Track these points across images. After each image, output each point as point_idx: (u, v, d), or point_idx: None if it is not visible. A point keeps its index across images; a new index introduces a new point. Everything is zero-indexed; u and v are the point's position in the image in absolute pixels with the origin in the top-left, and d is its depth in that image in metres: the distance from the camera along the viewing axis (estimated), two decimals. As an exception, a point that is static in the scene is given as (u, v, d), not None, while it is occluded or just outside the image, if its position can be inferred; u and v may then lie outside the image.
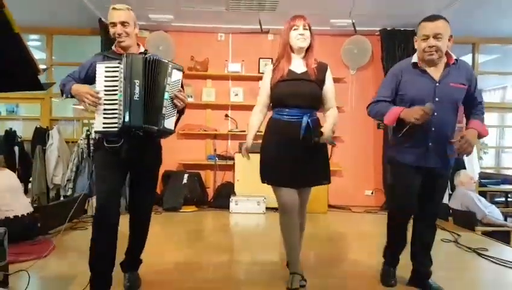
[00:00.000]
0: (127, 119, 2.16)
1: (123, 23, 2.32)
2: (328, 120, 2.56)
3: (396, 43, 5.63)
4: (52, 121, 5.95)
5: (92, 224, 2.31)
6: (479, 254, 3.42)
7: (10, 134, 5.45)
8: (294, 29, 2.49)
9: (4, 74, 1.09)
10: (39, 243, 3.37)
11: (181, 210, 5.19)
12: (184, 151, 5.76)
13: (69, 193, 5.31)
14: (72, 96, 2.28)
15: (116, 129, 2.20)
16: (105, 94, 2.20)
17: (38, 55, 6.14)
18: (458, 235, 4.02)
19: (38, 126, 5.55)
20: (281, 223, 2.55)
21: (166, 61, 2.31)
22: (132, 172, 2.41)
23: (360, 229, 4.67)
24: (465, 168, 5.34)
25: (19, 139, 5.50)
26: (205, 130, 5.76)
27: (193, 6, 4.89)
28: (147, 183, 2.48)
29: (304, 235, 2.77)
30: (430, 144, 2.38)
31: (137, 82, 2.18)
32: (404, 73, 2.44)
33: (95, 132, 2.29)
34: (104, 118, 2.20)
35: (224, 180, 5.74)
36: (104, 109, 2.20)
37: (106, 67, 2.21)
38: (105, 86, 2.21)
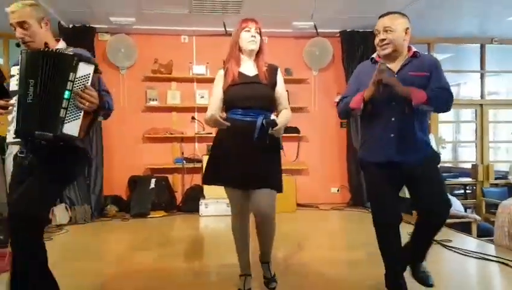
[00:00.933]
0: (18, 126, 1.89)
1: (21, 25, 2.01)
2: (280, 117, 2.49)
3: (355, 44, 5.81)
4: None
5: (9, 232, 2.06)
6: (444, 246, 3.55)
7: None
8: (246, 30, 2.43)
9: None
10: (1, 256, 3.23)
11: (149, 216, 5.12)
12: (150, 156, 5.69)
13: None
14: None
15: (18, 139, 1.95)
16: (15, 99, 1.92)
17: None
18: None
19: (-6, 134, 5.30)
20: (231, 224, 2.53)
21: (70, 53, 1.95)
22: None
23: (328, 226, 4.79)
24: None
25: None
26: (171, 133, 5.70)
27: (154, 9, 4.84)
28: (31, 184, 2.00)
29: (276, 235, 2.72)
30: (391, 135, 2.29)
31: (31, 81, 1.88)
32: (364, 71, 2.44)
33: (6, 143, 2.04)
34: (14, 126, 1.93)
35: (192, 183, 5.71)
36: (13, 117, 1.92)
37: (14, 67, 1.96)
38: (12, 90, 1.95)
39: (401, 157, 2.28)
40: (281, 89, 2.52)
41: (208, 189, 5.27)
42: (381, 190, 2.38)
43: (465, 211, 6.13)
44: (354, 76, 2.56)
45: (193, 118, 5.82)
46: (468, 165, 6.65)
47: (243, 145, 2.34)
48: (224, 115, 2.47)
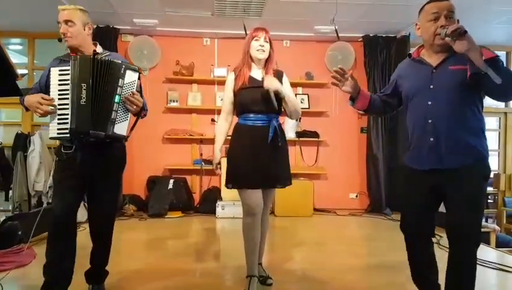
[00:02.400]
0: (73, 125, 2.10)
1: (67, 22, 2.22)
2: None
3: (378, 49, 5.75)
4: (34, 127, 5.85)
5: (47, 239, 2.22)
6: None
7: (-10, 140, 5.33)
8: (256, 39, 2.55)
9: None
10: (21, 252, 3.30)
11: (166, 216, 5.16)
12: (169, 156, 5.74)
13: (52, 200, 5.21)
14: (28, 109, 2.20)
15: (68, 135, 2.15)
16: (59, 98, 2.13)
17: (20, 59, 6.05)
18: (440, 236, 4.09)
19: (19, 132, 5.44)
20: (244, 225, 2.55)
21: (119, 62, 2.22)
22: (89, 181, 2.30)
23: (345, 232, 4.72)
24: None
25: (-1, 145, 5.39)
26: (191, 135, 5.74)
27: (178, 11, 4.89)
28: (105, 192, 2.37)
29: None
30: (431, 139, 1.98)
31: (84, 85, 2.11)
32: (401, 69, 2.24)
33: (50, 137, 2.20)
34: (58, 123, 2.14)
35: (210, 185, 5.73)
36: (58, 114, 2.14)
37: (60, 70, 2.15)
38: (59, 90, 2.14)
39: (442, 164, 1.97)
40: (286, 87, 2.61)
41: (224, 191, 5.28)
42: (410, 199, 2.12)
43: (486, 220, 5.99)
44: (393, 74, 2.34)
45: (213, 120, 5.84)
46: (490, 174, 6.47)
47: (258, 148, 2.49)
48: (220, 171, 2.70)
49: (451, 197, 1.94)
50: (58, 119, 2.14)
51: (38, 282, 2.26)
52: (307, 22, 5.22)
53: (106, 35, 5.39)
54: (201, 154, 5.74)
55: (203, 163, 5.62)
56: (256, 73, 2.60)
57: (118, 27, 5.45)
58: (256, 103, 2.50)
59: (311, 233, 4.57)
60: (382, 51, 5.76)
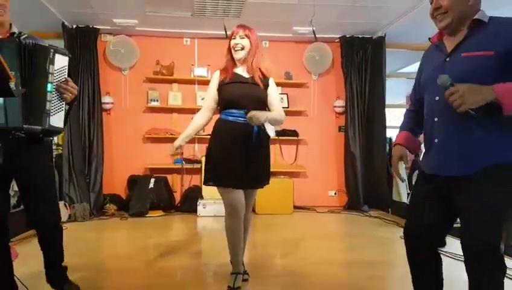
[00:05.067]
0: (2, 120, 1.83)
1: None
2: (271, 112, 2.57)
3: (355, 50, 5.89)
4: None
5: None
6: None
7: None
8: (233, 38, 2.55)
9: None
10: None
11: (147, 215, 5.18)
12: (150, 156, 5.76)
13: None
14: None
15: None
16: None
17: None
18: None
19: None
20: (227, 225, 2.57)
21: (46, 45, 1.97)
22: (18, 182, 2.09)
23: (325, 228, 4.85)
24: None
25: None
26: (172, 134, 5.76)
27: (158, 12, 4.92)
28: (40, 193, 2.09)
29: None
30: (436, 140, 1.71)
31: (12, 73, 1.76)
32: (422, 59, 1.93)
33: None
34: None
35: (191, 184, 5.77)
36: None
37: None
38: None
39: (446, 171, 1.67)
40: (273, 90, 2.61)
41: (206, 190, 5.32)
42: (418, 193, 1.88)
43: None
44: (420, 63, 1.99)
45: (193, 119, 5.87)
46: None
47: (239, 146, 2.45)
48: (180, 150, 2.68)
49: (460, 211, 1.63)
50: None
51: (20, 280, 2.28)
52: (285, 23, 5.33)
53: (86, 35, 5.36)
54: (181, 154, 5.77)
55: (183, 162, 5.66)
56: (241, 70, 2.59)
57: (98, 27, 5.43)
58: (239, 97, 2.48)
59: (291, 230, 4.68)
60: (358, 52, 5.90)
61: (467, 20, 1.67)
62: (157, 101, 5.73)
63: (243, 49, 2.53)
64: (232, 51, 2.56)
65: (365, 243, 3.93)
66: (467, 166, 1.60)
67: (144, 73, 5.74)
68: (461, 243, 1.59)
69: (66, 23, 5.17)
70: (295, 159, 5.98)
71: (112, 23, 5.27)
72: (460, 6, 1.66)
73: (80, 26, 5.35)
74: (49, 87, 1.93)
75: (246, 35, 2.53)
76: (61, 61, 1.99)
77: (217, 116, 2.67)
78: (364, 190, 5.88)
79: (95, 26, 5.41)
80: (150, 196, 5.34)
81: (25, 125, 1.89)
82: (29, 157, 2.02)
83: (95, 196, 5.32)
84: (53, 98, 1.95)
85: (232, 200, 2.51)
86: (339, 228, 5.09)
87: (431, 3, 1.74)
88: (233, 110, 2.50)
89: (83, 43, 5.35)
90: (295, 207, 5.61)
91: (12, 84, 1.54)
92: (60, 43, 5.31)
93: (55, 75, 1.95)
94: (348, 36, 5.88)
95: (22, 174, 2.05)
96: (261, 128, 2.48)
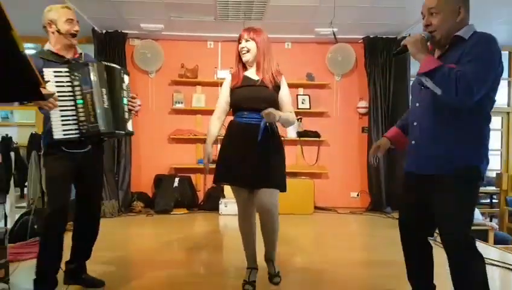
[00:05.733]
0: (103, 127, 2.27)
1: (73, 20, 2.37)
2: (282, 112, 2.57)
3: (378, 50, 5.86)
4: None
5: (41, 231, 2.46)
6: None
7: (6, 140, 5.59)
8: (240, 42, 2.60)
9: (11, 87, 1.26)
10: (36, 244, 3.52)
11: (172, 212, 5.36)
12: (175, 156, 5.94)
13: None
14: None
15: (77, 136, 2.24)
16: (60, 100, 2.17)
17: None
18: (437, 233, 4.20)
19: (34, 132, 5.70)
20: (239, 225, 2.70)
21: (118, 67, 2.48)
22: (81, 177, 2.44)
23: (345, 229, 4.86)
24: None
25: (14, 145, 5.64)
26: (195, 135, 5.93)
27: (182, 16, 5.09)
28: (96, 188, 2.61)
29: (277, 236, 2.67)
30: (412, 142, 1.97)
31: (104, 90, 2.30)
32: None
33: (55, 138, 2.22)
34: (63, 124, 2.20)
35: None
36: (62, 116, 2.20)
37: (54, 72, 2.20)
38: (58, 92, 2.17)
39: (418, 169, 1.94)
40: (285, 92, 2.63)
41: (227, 189, 5.45)
42: (403, 198, 2.14)
43: (491, 220, 6.06)
44: None
45: (217, 120, 6.00)
46: (493, 174, 6.54)
47: (248, 146, 2.50)
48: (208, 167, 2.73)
49: (432, 207, 1.87)
50: (62, 120, 2.20)
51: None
52: (307, 25, 5.37)
53: (114, 40, 5.61)
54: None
55: (207, 162, 5.79)
56: (251, 72, 2.64)
57: (126, 31, 5.66)
58: (249, 100, 2.53)
59: (311, 229, 4.72)
60: (382, 52, 5.87)
61: (452, 35, 1.85)
62: (181, 103, 5.91)
63: (248, 51, 2.57)
64: (240, 54, 2.62)
65: (385, 244, 3.92)
66: (437, 166, 1.84)
67: (169, 76, 5.93)
68: (440, 239, 1.86)
69: (96, 28, 5.44)
70: (316, 160, 6.01)
71: (139, 28, 5.49)
72: (449, 24, 1.84)
73: (109, 31, 5.60)
74: (125, 100, 2.44)
75: (251, 38, 2.56)
76: (127, 79, 2.48)
77: (230, 117, 2.75)
78: (387, 191, 5.82)
79: (123, 31, 5.65)
80: (175, 194, 5.52)
81: (116, 131, 2.38)
82: (95, 157, 2.50)
83: (123, 194, 5.56)
84: (127, 109, 2.46)
85: (241, 200, 2.61)
86: (359, 228, 5.08)
87: (423, 19, 1.89)
88: (245, 112, 2.55)
89: (112, 47, 5.60)
90: (316, 208, 5.64)
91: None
92: (91, 48, 5.59)
93: (126, 90, 2.45)
94: (371, 37, 5.85)
95: (89, 170, 2.46)
96: (269, 126, 2.51)
